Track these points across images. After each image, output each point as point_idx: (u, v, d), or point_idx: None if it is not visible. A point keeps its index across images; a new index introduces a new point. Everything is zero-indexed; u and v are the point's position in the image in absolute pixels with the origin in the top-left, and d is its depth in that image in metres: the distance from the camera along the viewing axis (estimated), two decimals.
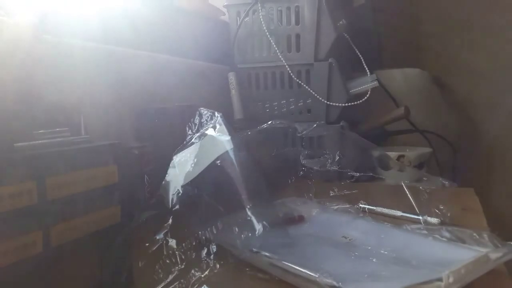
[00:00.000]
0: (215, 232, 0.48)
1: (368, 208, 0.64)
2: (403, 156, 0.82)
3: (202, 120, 0.56)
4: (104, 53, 0.67)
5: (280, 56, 0.90)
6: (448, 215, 0.58)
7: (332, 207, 0.64)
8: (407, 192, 0.64)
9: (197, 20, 0.96)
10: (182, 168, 0.52)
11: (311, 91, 0.90)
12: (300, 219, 0.59)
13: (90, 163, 0.42)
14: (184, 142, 0.56)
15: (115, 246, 0.44)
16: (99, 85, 0.65)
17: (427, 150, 0.87)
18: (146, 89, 0.74)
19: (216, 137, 0.53)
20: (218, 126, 0.54)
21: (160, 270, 0.44)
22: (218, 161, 0.51)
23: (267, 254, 0.44)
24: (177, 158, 0.54)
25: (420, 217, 0.58)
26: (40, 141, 0.40)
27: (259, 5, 0.91)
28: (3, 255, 0.34)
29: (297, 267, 0.40)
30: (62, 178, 0.39)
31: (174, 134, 0.70)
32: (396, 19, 1.33)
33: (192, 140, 0.55)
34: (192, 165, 0.52)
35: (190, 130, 0.57)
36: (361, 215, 0.60)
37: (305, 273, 0.39)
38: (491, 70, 1.25)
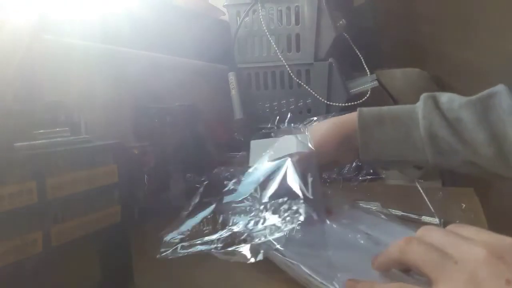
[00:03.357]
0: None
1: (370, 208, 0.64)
2: None
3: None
4: (104, 53, 0.67)
5: (280, 56, 0.90)
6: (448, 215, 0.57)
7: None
8: (422, 192, 0.64)
9: (197, 20, 0.96)
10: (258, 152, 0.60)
11: (311, 91, 0.90)
12: (329, 213, 0.55)
13: (90, 163, 0.42)
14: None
15: (116, 243, 0.44)
16: (99, 84, 0.65)
17: None
18: (146, 89, 0.74)
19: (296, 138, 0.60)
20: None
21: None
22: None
23: (286, 254, 0.43)
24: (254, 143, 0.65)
25: (421, 218, 0.58)
26: (40, 141, 0.40)
27: (259, 5, 0.91)
28: (3, 255, 0.34)
29: (312, 274, 0.40)
30: (62, 178, 0.39)
31: (174, 134, 0.70)
32: (396, 19, 1.33)
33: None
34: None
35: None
36: (383, 217, 0.55)
37: (317, 281, 0.39)
38: (491, 70, 1.24)
